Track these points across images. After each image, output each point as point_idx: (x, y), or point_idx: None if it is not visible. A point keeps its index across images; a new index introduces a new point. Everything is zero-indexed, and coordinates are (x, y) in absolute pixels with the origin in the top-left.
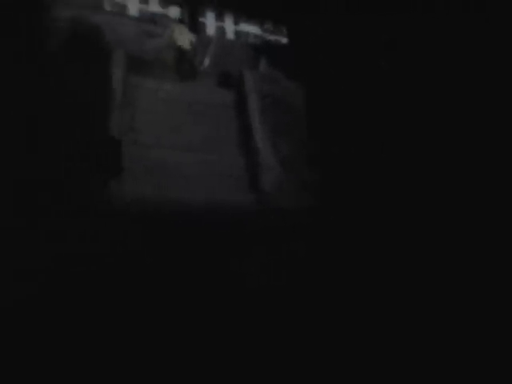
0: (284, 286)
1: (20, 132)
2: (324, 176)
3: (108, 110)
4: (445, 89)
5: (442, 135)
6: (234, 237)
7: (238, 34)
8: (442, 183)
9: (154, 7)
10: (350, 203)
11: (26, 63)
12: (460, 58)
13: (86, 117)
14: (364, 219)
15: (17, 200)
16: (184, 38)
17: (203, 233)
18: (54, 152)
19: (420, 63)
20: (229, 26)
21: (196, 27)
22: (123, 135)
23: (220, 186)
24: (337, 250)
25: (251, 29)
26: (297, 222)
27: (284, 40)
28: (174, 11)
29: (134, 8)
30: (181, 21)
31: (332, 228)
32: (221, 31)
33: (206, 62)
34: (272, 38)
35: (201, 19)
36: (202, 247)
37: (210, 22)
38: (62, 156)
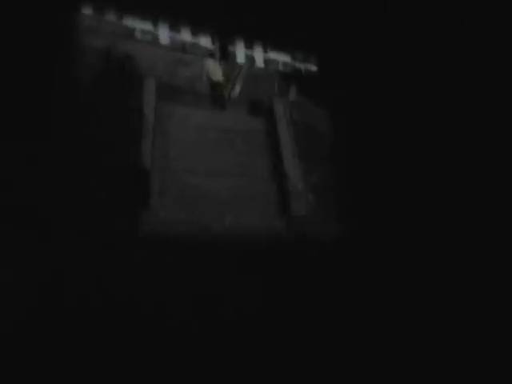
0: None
1: (55, 159)
2: (355, 205)
3: (140, 137)
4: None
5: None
6: (265, 261)
7: (267, 62)
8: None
9: (185, 36)
10: (380, 233)
11: (61, 92)
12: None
13: (118, 144)
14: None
15: (49, 226)
16: (216, 71)
17: (234, 256)
18: (87, 179)
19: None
20: (258, 54)
21: (226, 56)
22: (156, 161)
23: (251, 211)
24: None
25: (281, 57)
26: (326, 251)
27: (314, 68)
28: (205, 40)
29: (164, 36)
30: (211, 52)
31: (360, 258)
32: (251, 60)
33: (237, 90)
34: (302, 66)
35: (231, 48)
36: (233, 270)
37: (239, 50)
38: (94, 183)
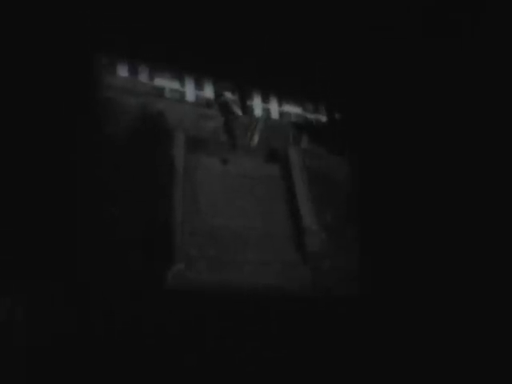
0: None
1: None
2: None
3: (171, 185)
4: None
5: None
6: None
7: (281, 114)
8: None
9: (209, 93)
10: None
11: (96, 150)
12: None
13: (151, 195)
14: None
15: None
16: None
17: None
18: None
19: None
20: (273, 107)
21: (245, 109)
22: (186, 207)
23: (271, 248)
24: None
25: (293, 109)
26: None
27: (324, 118)
28: (227, 96)
29: (191, 94)
30: (230, 107)
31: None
32: (267, 112)
33: (255, 139)
34: (312, 116)
35: (249, 102)
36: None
37: (256, 103)
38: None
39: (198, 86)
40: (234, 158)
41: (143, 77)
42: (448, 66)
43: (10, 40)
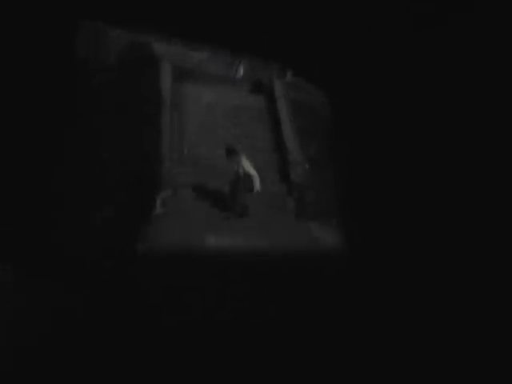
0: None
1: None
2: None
3: (159, 115)
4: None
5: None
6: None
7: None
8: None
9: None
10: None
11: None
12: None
13: (139, 125)
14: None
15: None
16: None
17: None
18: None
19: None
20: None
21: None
22: (173, 134)
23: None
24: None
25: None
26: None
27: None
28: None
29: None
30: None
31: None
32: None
33: (240, 70)
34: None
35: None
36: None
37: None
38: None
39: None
40: (220, 88)
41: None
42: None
43: None
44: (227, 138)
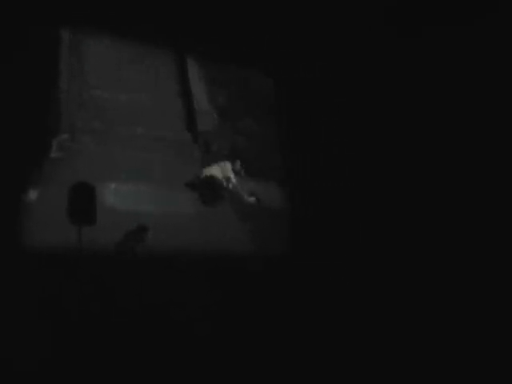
0: None
1: None
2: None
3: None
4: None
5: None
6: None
7: None
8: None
9: None
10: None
11: None
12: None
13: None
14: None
15: None
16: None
17: None
18: None
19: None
20: None
21: None
22: (74, 78)
23: (160, 125)
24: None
25: None
26: None
27: None
28: None
29: None
30: None
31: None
32: None
33: None
34: None
35: None
36: None
37: None
38: None
39: None
40: (123, 29)
41: None
42: None
43: None
44: (130, 82)
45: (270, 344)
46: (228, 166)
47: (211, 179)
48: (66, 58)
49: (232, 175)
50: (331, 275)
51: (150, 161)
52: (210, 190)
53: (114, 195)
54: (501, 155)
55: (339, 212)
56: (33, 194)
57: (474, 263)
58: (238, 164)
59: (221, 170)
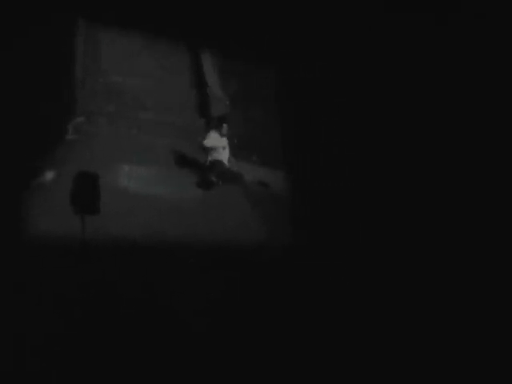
0: None
1: None
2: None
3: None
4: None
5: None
6: None
7: None
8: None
9: None
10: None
11: None
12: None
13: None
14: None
15: None
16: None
17: None
18: None
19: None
20: None
21: None
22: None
23: (170, 110)
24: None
25: None
26: None
27: None
28: None
29: None
30: None
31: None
32: None
33: None
34: None
35: None
36: None
37: None
38: None
39: None
40: (139, 18)
41: None
42: None
43: None
44: (143, 68)
45: (276, 338)
46: (217, 134)
47: (219, 163)
48: (82, 45)
49: (226, 142)
50: (342, 268)
51: (163, 145)
52: (214, 173)
53: (127, 177)
54: (501, 155)
55: (346, 203)
56: (48, 175)
57: (474, 263)
58: (225, 129)
59: (217, 139)
